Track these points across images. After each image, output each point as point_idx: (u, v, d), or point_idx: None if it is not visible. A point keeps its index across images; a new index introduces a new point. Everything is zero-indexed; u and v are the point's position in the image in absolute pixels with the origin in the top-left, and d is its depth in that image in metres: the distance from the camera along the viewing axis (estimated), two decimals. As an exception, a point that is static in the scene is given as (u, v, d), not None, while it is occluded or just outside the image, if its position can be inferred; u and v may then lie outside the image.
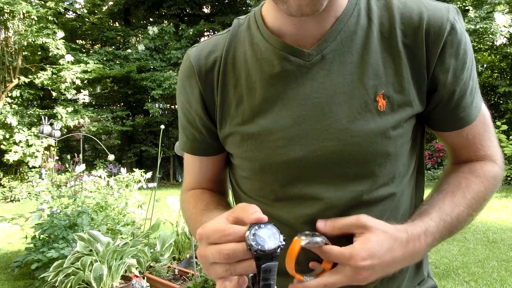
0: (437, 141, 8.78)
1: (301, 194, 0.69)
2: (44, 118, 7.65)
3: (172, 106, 13.83)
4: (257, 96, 0.70)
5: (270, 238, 0.49)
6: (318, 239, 0.62)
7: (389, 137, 0.67)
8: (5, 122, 9.89)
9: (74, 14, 13.89)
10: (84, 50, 12.95)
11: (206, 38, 0.82)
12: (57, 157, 9.80)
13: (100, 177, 5.06)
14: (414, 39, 0.67)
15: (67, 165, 6.79)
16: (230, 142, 0.75)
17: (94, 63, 11.26)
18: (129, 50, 12.45)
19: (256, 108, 0.70)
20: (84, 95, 14.24)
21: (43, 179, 5.89)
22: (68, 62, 10.54)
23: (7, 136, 9.93)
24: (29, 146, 9.92)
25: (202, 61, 0.74)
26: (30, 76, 10.71)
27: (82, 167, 4.46)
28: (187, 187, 0.88)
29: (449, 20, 0.66)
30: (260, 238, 0.49)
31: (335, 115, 0.67)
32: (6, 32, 10.65)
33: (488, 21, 8.54)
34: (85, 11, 13.69)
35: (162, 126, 4.56)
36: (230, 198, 0.89)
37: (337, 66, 0.67)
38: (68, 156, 9.99)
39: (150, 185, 4.64)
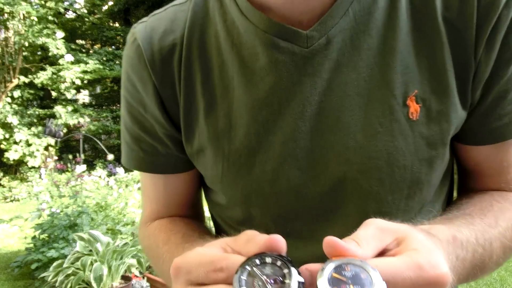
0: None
1: (299, 232, 0.51)
2: (48, 120, 7.68)
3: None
4: (235, 100, 0.49)
5: (276, 282, 0.30)
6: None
7: (423, 158, 0.47)
8: (5, 122, 9.89)
9: (74, 14, 13.89)
10: (84, 50, 12.95)
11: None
12: (56, 157, 9.83)
13: (100, 177, 5.07)
14: (460, 11, 0.45)
15: (69, 165, 6.81)
16: (201, 161, 0.54)
17: (94, 63, 11.26)
18: (129, 50, 12.47)
19: (233, 117, 0.50)
20: (84, 95, 14.25)
21: (42, 179, 5.90)
22: (68, 62, 10.54)
23: (7, 136, 9.94)
24: (28, 145, 9.93)
25: (155, 46, 0.52)
26: (30, 76, 10.71)
27: (82, 167, 4.47)
28: (148, 218, 0.63)
29: None
30: (258, 282, 0.30)
31: (345, 128, 0.46)
32: (6, 32, 10.65)
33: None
34: (85, 11, 13.70)
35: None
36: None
37: (348, 54, 0.46)
38: (70, 156, 10.00)
39: (150, 185, 4.64)
